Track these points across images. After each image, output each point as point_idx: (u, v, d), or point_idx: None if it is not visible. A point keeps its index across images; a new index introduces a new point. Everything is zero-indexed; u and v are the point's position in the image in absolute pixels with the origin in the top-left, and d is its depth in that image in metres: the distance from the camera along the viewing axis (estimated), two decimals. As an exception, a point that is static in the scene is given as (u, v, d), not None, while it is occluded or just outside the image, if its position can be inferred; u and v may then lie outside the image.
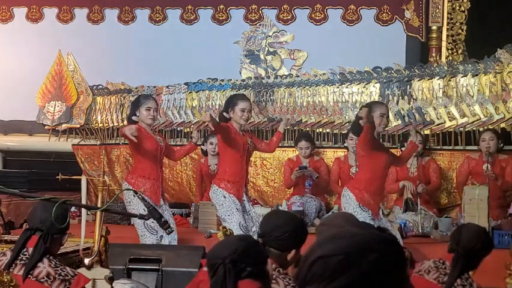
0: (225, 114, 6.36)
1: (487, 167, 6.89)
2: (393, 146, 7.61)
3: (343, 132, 8.13)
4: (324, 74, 8.50)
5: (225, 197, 6.28)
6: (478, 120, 7.65)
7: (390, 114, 8.00)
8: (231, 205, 6.23)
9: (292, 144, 8.14)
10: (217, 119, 6.41)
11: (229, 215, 6.23)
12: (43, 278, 3.35)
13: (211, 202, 6.96)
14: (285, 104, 8.55)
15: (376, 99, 8.04)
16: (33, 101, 9.46)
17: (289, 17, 9.19)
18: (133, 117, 6.37)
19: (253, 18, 9.29)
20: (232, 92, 8.41)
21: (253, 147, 6.61)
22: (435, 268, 3.67)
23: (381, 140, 7.82)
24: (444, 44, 8.56)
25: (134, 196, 5.58)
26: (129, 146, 6.71)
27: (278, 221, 3.19)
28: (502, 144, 7.24)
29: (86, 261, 3.97)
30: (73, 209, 7.16)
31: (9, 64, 9.74)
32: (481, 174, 7.12)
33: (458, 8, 8.55)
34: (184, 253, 5.28)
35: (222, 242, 2.79)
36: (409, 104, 8.05)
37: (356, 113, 6.77)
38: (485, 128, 7.50)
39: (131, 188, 5.97)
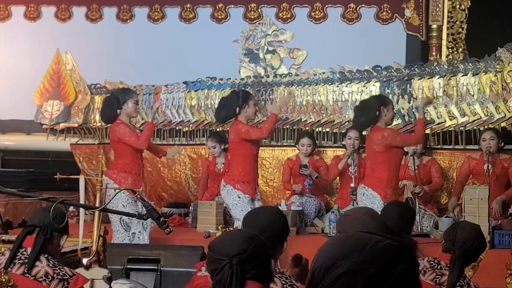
0: (238, 110, 6.26)
1: (488, 166, 6.86)
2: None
3: (343, 131, 8.10)
4: (324, 72, 8.46)
5: (239, 197, 6.36)
6: (478, 119, 7.62)
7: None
8: (245, 205, 6.32)
9: (292, 144, 8.11)
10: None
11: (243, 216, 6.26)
12: (41, 278, 3.34)
13: (211, 202, 6.97)
14: (284, 103, 8.51)
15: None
16: (31, 100, 9.42)
17: (288, 16, 9.16)
18: (118, 111, 6.33)
19: (253, 17, 9.26)
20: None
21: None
22: (430, 269, 3.62)
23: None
24: (444, 42, 8.54)
25: (114, 191, 5.52)
26: (110, 142, 6.75)
27: (262, 222, 3.16)
28: (502, 144, 7.22)
29: (85, 261, 3.95)
30: (71, 208, 7.14)
31: (7, 63, 9.71)
32: (482, 174, 7.09)
33: (458, 6, 8.52)
34: (182, 253, 5.26)
35: (230, 237, 2.63)
36: (409, 103, 8.01)
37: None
38: (486, 127, 7.47)
39: (112, 182, 5.97)
